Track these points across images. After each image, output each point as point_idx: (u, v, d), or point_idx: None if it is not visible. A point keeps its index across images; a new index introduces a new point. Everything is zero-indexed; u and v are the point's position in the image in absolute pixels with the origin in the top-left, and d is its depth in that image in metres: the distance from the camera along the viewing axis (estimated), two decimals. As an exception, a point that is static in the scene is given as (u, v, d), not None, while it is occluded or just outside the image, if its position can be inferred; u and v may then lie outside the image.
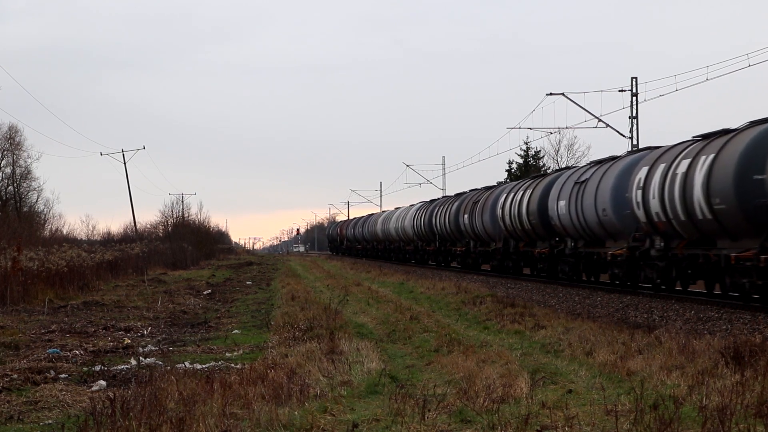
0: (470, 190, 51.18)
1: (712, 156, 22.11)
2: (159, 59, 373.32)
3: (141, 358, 15.62)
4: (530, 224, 36.59)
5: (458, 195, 53.09)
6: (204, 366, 14.40)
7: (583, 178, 31.38)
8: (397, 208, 76.51)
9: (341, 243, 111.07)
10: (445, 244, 54.55)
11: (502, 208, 40.30)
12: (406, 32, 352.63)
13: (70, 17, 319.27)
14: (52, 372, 13.90)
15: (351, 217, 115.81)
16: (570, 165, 72.68)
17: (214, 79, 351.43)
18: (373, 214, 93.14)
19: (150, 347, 17.27)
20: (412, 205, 69.18)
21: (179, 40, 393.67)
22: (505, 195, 40.84)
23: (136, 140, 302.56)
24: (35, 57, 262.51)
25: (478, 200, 45.58)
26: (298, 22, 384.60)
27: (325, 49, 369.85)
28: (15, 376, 13.38)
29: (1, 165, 75.09)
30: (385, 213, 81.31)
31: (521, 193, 38.26)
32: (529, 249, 38.19)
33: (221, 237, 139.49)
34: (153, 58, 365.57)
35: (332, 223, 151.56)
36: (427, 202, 63.96)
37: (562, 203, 32.50)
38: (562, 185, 33.31)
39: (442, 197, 59.99)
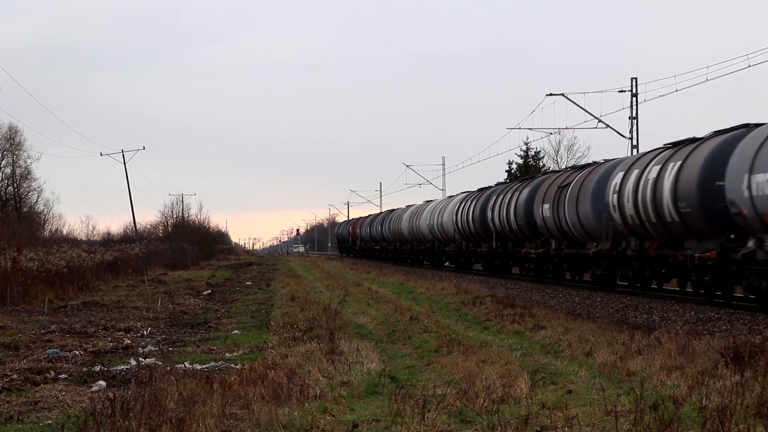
0: (546, 172, 39.75)
1: None
2: (158, 59, 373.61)
3: (141, 358, 15.62)
4: (677, 214, 24.15)
5: (527, 179, 40.78)
6: (204, 366, 14.41)
7: None
8: (427, 201, 64.16)
9: (354, 244, 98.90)
10: (505, 245, 41.85)
11: (618, 193, 27.78)
12: (406, 32, 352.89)
13: (69, 17, 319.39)
14: (52, 372, 13.91)
15: (367, 214, 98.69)
16: (570, 165, 72.57)
17: (213, 79, 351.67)
18: (395, 209, 77.97)
19: (150, 347, 17.28)
20: (451, 197, 56.55)
21: (178, 40, 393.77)
22: (621, 174, 28.22)
23: (136, 140, 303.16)
24: (35, 57, 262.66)
25: (567, 184, 32.97)
26: (295, 21, 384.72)
27: (324, 49, 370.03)
28: (15, 376, 13.39)
29: (1, 165, 75.16)
30: (413, 207, 67.47)
31: (656, 168, 25.55)
32: (668, 251, 25.33)
33: (221, 237, 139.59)
34: (152, 58, 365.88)
35: (342, 221, 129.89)
36: (476, 191, 50.11)
37: (763, 178, 20.09)
38: (758, 149, 20.45)
39: (499, 183, 47.13)
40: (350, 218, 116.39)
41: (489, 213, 43.44)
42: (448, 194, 77.83)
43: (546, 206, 34.79)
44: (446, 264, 56.45)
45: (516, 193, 39.56)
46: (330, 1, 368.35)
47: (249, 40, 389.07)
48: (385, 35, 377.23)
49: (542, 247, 36.07)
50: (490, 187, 47.47)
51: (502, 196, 41.80)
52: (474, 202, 46.86)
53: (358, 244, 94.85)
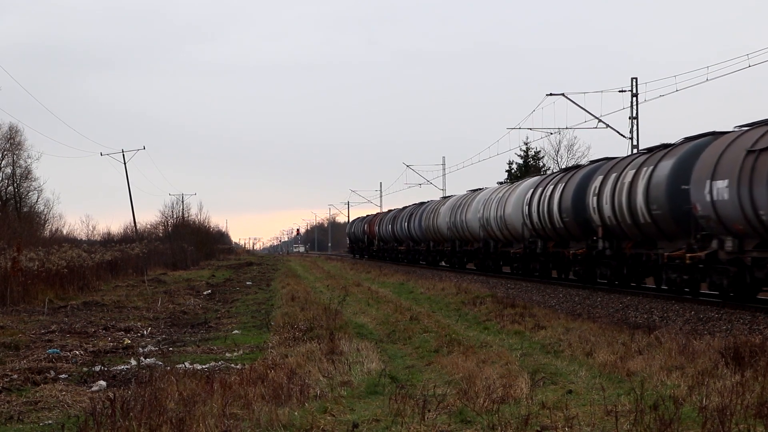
0: (695, 137, 25.51)
1: None
2: (157, 60, 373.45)
3: (141, 358, 15.64)
4: None
5: (665, 148, 26.62)
6: (204, 366, 14.41)
7: None
8: (474, 189, 51.69)
9: (370, 244, 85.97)
10: (617, 245, 29.02)
11: None
12: (407, 32, 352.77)
13: (63, 17, 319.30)
14: (52, 372, 13.92)
15: (387, 210, 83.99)
16: (570, 165, 72.54)
17: (213, 79, 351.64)
18: (426, 202, 64.66)
19: (150, 347, 17.28)
20: (513, 182, 45.27)
21: (176, 41, 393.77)
22: None
23: (136, 140, 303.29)
24: (34, 57, 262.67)
25: None
26: (291, 21, 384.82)
27: (323, 49, 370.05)
28: (15, 376, 13.40)
29: (1, 165, 75.13)
30: (453, 198, 54.80)
31: None
32: None
33: (221, 237, 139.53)
34: (151, 59, 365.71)
35: (356, 218, 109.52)
36: (558, 171, 39.18)
37: None
38: None
39: (600, 159, 33.22)
40: (367, 215, 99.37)
41: (591, 200, 30.35)
42: (449, 194, 76.86)
43: (720, 184, 22.06)
44: (506, 270, 44.12)
45: (646, 168, 26.38)
46: (322, 0, 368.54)
47: (247, 40, 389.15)
48: (385, 36, 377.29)
49: (703, 248, 23.51)
50: (580, 166, 34.91)
51: (615, 174, 28.79)
52: (560, 185, 34.00)
53: (376, 244, 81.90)
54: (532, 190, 37.82)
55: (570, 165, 54.90)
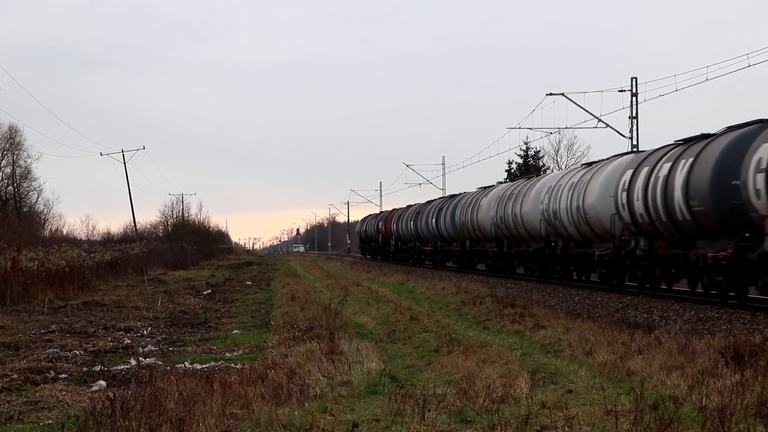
0: None
1: None
2: (158, 60, 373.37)
3: (141, 358, 15.64)
4: None
5: None
6: (204, 366, 14.42)
7: None
8: (527, 177, 44.37)
9: (386, 243, 77.19)
10: None
11: None
12: (406, 32, 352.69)
13: (69, 17, 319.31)
14: (52, 372, 13.92)
15: (406, 205, 71.94)
16: (570, 165, 72.56)
17: (213, 80, 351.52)
18: (456, 195, 55.62)
19: (150, 347, 17.29)
20: (591, 164, 33.80)
21: (178, 40, 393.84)
22: None
23: (136, 140, 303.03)
24: (35, 57, 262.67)
25: None
26: (290, 20, 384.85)
27: (324, 49, 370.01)
28: (15, 376, 13.40)
29: (1, 165, 75.15)
30: (498, 188, 45.66)
31: None
32: None
33: (221, 237, 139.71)
34: (152, 59, 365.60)
35: (368, 215, 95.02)
36: (674, 144, 26.20)
37: None
38: None
39: (756, 121, 22.06)
40: (382, 212, 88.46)
41: (751, 180, 20.16)
42: (448, 194, 76.32)
43: None
44: (573, 276, 35.03)
45: None
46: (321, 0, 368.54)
47: (246, 40, 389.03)
48: (384, 35, 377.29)
49: None
50: (712, 135, 24.01)
51: None
52: (684, 161, 23.98)
53: (393, 244, 72.97)
54: (631, 171, 27.72)
55: (573, 161, 54.12)
